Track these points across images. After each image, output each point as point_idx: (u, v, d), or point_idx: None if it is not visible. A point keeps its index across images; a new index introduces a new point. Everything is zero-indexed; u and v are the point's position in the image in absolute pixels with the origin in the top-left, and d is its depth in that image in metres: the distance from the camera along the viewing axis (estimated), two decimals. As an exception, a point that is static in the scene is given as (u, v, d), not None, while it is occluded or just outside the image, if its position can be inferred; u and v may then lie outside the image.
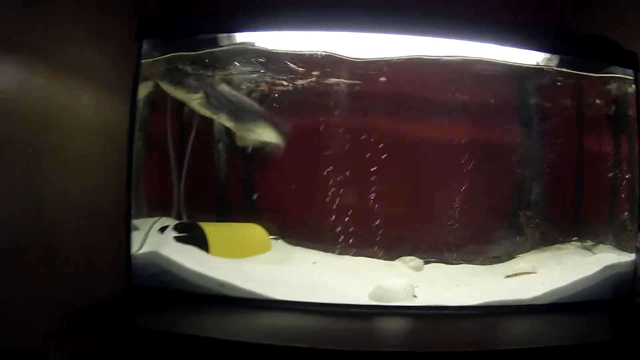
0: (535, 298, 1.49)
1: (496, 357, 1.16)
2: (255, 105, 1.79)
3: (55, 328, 1.33)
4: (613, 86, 1.77)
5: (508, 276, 1.72)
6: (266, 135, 1.80)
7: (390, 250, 1.86)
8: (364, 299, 1.45)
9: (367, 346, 1.17)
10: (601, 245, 1.80)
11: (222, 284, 1.43)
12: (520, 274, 1.71)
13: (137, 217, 1.55)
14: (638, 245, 1.51)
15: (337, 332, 1.26)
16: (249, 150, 1.85)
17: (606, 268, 1.57)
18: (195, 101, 1.65)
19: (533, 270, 1.71)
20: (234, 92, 1.74)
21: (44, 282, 1.42)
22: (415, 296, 1.49)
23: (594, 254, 1.81)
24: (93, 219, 1.60)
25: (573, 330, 1.37)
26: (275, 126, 1.81)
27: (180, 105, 1.74)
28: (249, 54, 1.70)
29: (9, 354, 1.30)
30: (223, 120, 1.75)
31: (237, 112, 1.74)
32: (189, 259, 1.49)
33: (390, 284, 1.47)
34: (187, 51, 1.63)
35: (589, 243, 1.89)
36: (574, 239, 1.93)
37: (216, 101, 1.68)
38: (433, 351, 1.15)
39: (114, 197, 1.56)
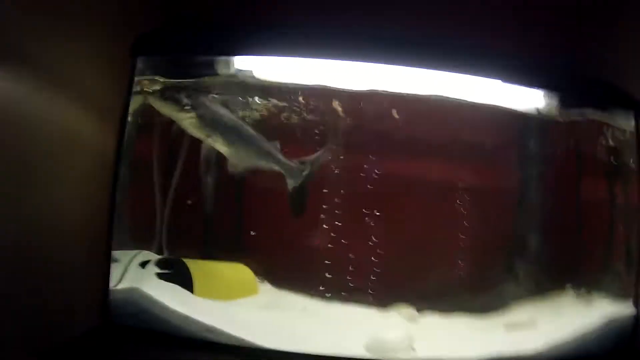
0: (537, 352, 1.47)
1: None
2: (252, 130, 1.67)
3: None
4: (613, 133, 1.77)
5: (507, 328, 1.69)
6: (263, 163, 1.68)
7: (383, 298, 1.78)
8: (360, 351, 1.39)
9: None
10: (596, 295, 1.76)
11: (210, 329, 1.34)
12: (520, 325, 1.69)
13: (118, 248, 1.46)
14: None
15: None
16: (242, 177, 1.75)
17: (607, 319, 1.58)
18: (187, 120, 1.54)
19: (532, 322, 1.69)
20: (231, 115, 1.64)
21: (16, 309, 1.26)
22: (413, 349, 1.45)
23: (590, 303, 1.78)
24: (72, 244, 1.43)
25: None
26: (272, 155, 1.69)
27: (168, 129, 1.65)
28: (246, 82, 1.63)
29: None
30: (217, 143, 1.62)
31: (233, 135, 1.62)
32: (172, 298, 1.41)
33: (389, 336, 1.43)
34: (183, 72, 1.58)
35: (583, 291, 1.83)
36: (569, 285, 1.86)
37: (210, 122, 1.57)
38: None
39: (97, 223, 1.45)
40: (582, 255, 1.95)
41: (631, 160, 1.70)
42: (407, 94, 1.67)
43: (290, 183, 1.68)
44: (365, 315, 1.71)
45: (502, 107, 1.71)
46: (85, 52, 1.43)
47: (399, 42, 1.49)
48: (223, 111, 1.62)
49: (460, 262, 1.86)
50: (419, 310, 1.77)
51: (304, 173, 1.69)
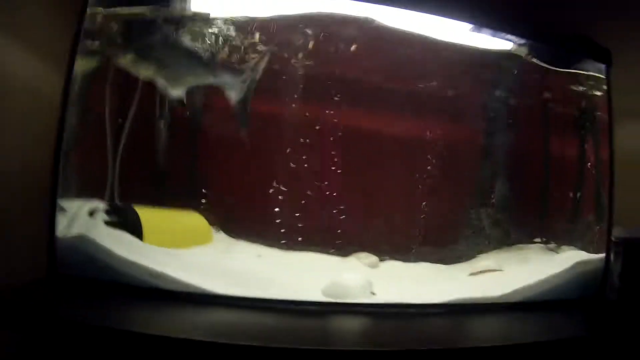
0: (504, 296, 1.50)
1: (464, 355, 1.15)
2: (188, 48, 1.64)
3: None
4: (583, 84, 1.80)
5: (472, 274, 1.73)
6: (201, 80, 1.65)
7: (343, 246, 1.78)
8: (317, 296, 1.37)
9: (323, 345, 1.11)
10: (564, 247, 1.83)
11: (155, 275, 1.31)
12: (484, 271, 1.72)
13: (65, 197, 1.40)
14: (613, 239, 1.56)
15: (288, 330, 1.20)
16: (196, 123, 1.74)
17: (575, 265, 1.62)
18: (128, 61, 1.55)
19: (499, 267, 1.73)
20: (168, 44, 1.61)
21: None
22: (373, 293, 1.43)
23: (557, 253, 1.85)
24: (15, 192, 1.44)
25: (546, 327, 1.40)
26: (210, 69, 1.65)
27: (121, 73, 1.61)
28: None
29: None
30: (153, 72, 1.59)
31: (169, 59, 1.60)
32: (120, 245, 1.37)
33: (347, 280, 1.41)
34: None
35: (552, 244, 1.91)
36: (537, 239, 1.95)
37: (147, 54, 1.56)
38: (396, 350, 1.10)
39: (40, 171, 1.41)
40: (550, 206, 2.01)
41: (601, 112, 1.73)
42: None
43: (232, 95, 1.64)
44: (324, 262, 1.71)
45: (470, 49, 1.73)
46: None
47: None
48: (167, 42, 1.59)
49: (424, 211, 1.88)
50: (380, 258, 1.79)
51: (246, 83, 1.64)
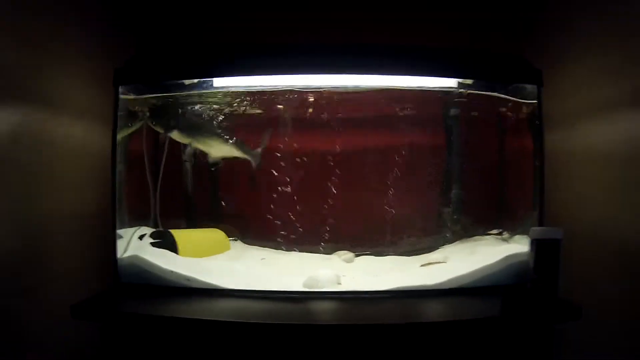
0: (440, 284, 1.76)
1: (401, 329, 1.48)
2: (217, 130, 2.21)
3: (55, 321, 1.67)
4: (524, 97, 1.99)
5: (422, 265, 1.99)
6: (233, 153, 2.23)
7: (329, 246, 2.22)
8: (298, 287, 1.78)
9: (301, 321, 1.53)
10: (517, 237, 1.97)
11: (188, 279, 1.78)
12: (432, 263, 1.98)
13: (121, 227, 1.89)
14: (530, 237, 1.63)
15: (276, 311, 1.60)
16: (219, 165, 2.27)
17: (507, 257, 1.80)
18: (174, 134, 2.09)
19: (444, 260, 1.99)
20: (200, 122, 2.17)
21: (45, 283, 1.71)
22: (339, 283, 1.80)
23: (508, 243, 2.04)
24: (84, 230, 1.90)
25: (464, 309, 1.63)
26: (241, 146, 2.23)
27: (154, 131, 2.12)
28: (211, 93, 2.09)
29: (21, 345, 1.60)
30: (198, 144, 2.17)
31: (209, 138, 2.17)
32: (162, 260, 1.84)
33: (320, 274, 1.79)
34: (157, 92, 2.02)
35: (506, 235, 2.10)
36: (494, 231, 2.15)
37: (190, 131, 2.12)
38: (351, 324, 1.50)
39: (101, 210, 1.87)
40: (505, 204, 2.26)
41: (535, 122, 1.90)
42: (344, 89, 2.09)
43: (254, 163, 2.24)
44: (312, 260, 2.14)
45: (430, 90, 2.06)
46: (76, 78, 1.85)
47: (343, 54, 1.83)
48: (199, 120, 2.16)
49: (393, 214, 2.25)
50: (356, 254, 2.18)
51: (259, 155, 2.25)
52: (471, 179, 2.31)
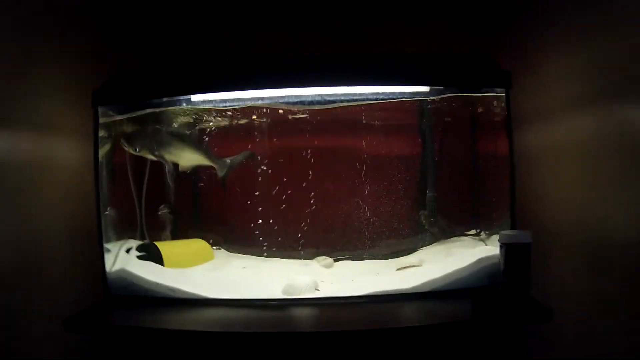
0: (414, 287, 1.79)
1: (375, 335, 1.52)
2: (190, 142, 2.30)
3: (50, 332, 1.72)
4: (496, 98, 2.00)
5: (398, 269, 2.03)
6: (201, 161, 2.31)
7: (309, 252, 2.29)
8: (277, 294, 1.81)
9: (279, 329, 1.59)
10: (494, 237, 1.90)
11: (173, 289, 1.85)
12: (408, 267, 2.02)
13: (108, 242, 1.97)
14: (499, 241, 1.66)
15: (257, 319, 1.65)
16: (196, 179, 2.38)
17: (480, 260, 1.82)
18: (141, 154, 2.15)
19: (419, 263, 2.04)
20: (173, 136, 2.26)
21: (39, 295, 1.76)
22: (317, 289, 1.84)
23: (486, 244, 2.05)
24: (74, 244, 1.96)
25: (437, 313, 1.65)
26: (208, 156, 2.31)
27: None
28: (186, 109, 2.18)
29: (14, 353, 1.64)
30: (167, 156, 2.23)
31: (178, 149, 2.25)
32: (148, 272, 1.91)
33: (297, 281, 1.82)
34: (135, 110, 2.11)
35: (483, 235, 2.13)
36: (471, 232, 2.20)
37: (159, 146, 2.18)
38: (327, 331, 1.56)
39: (88, 225, 1.93)
40: (478, 203, 2.32)
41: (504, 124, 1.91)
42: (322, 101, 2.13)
43: (219, 173, 2.32)
44: (292, 266, 2.21)
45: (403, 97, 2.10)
46: (59, 100, 1.91)
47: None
48: (167, 135, 2.23)
49: (373, 217, 2.30)
50: (335, 259, 2.25)
51: (228, 166, 2.33)
52: (446, 180, 2.38)
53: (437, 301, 1.75)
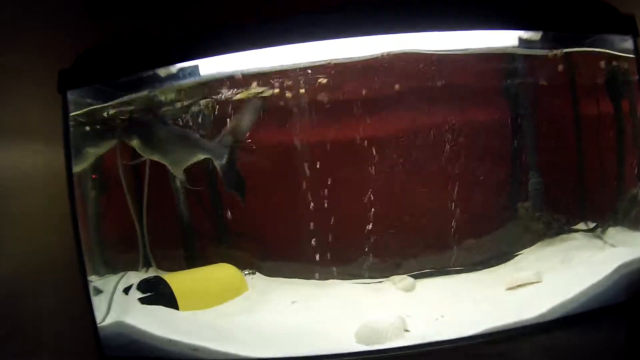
0: (542, 315, 1.40)
1: None
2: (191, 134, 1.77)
3: None
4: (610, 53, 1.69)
5: (509, 288, 1.65)
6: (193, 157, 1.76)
7: (376, 267, 1.83)
8: (351, 343, 1.38)
9: None
10: (611, 229, 1.74)
11: (196, 348, 1.39)
12: (522, 285, 1.65)
13: (98, 276, 1.55)
14: None
15: None
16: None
17: (620, 267, 1.47)
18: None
19: (537, 278, 1.65)
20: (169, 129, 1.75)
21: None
22: (407, 330, 1.42)
23: (605, 241, 1.75)
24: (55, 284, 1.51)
25: (587, 347, 1.35)
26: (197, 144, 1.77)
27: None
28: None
29: None
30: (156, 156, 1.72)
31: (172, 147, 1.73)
32: (157, 322, 1.47)
33: (376, 322, 1.40)
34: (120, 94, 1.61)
35: (598, 230, 1.83)
36: (580, 224, 1.88)
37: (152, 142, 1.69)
38: None
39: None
40: (590, 187, 1.95)
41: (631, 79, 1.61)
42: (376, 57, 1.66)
43: (218, 163, 1.73)
44: (358, 292, 1.75)
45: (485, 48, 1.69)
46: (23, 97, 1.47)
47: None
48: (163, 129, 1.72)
49: (456, 210, 1.87)
50: (415, 276, 1.79)
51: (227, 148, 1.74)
52: (552, 162, 1.97)
53: (572, 330, 1.38)
